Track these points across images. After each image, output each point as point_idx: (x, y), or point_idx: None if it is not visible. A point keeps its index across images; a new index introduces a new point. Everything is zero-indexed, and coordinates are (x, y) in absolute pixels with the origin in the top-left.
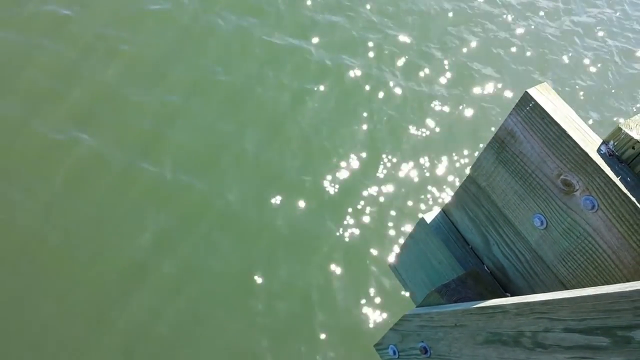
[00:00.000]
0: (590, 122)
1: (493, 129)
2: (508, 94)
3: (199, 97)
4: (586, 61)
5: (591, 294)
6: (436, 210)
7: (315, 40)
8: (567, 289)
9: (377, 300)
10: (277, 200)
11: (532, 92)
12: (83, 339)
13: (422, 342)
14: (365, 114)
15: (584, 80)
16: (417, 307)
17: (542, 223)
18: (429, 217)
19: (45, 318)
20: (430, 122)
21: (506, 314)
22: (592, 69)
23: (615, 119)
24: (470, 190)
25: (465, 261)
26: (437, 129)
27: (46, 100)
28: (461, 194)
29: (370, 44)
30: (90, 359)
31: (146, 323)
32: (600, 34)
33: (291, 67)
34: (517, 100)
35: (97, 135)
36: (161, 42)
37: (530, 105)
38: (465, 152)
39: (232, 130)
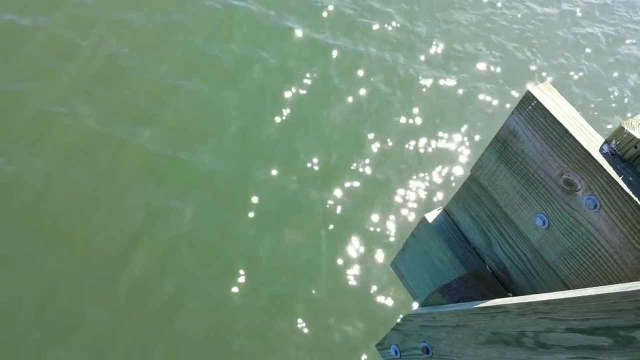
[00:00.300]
0: (580, 110)
1: (482, 112)
2: (498, 77)
3: (193, 76)
4: (576, 46)
5: (593, 294)
6: (438, 209)
7: (306, 21)
8: (569, 289)
9: (364, 279)
10: (266, 177)
11: (534, 91)
12: (77, 314)
13: (424, 342)
14: (355, 95)
15: (573, 65)
16: (419, 306)
17: (544, 223)
18: (430, 217)
19: (41, 294)
20: (419, 104)
21: (508, 314)
22: (582, 54)
23: (601, 100)
24: (472, 190)
25: (467, 261)
26: (427, 111)
27: (44, 77)
28: (463, 193)
29: (362, 26)
30: (81, 335)
31: (138, 296)
32: (590, 19)
33: (282, 48)
34: (505, 85)
35: (94, 111)
36: (157, 22)
37: (533, 104)
38: (453, 135)
39: (225, 109)
